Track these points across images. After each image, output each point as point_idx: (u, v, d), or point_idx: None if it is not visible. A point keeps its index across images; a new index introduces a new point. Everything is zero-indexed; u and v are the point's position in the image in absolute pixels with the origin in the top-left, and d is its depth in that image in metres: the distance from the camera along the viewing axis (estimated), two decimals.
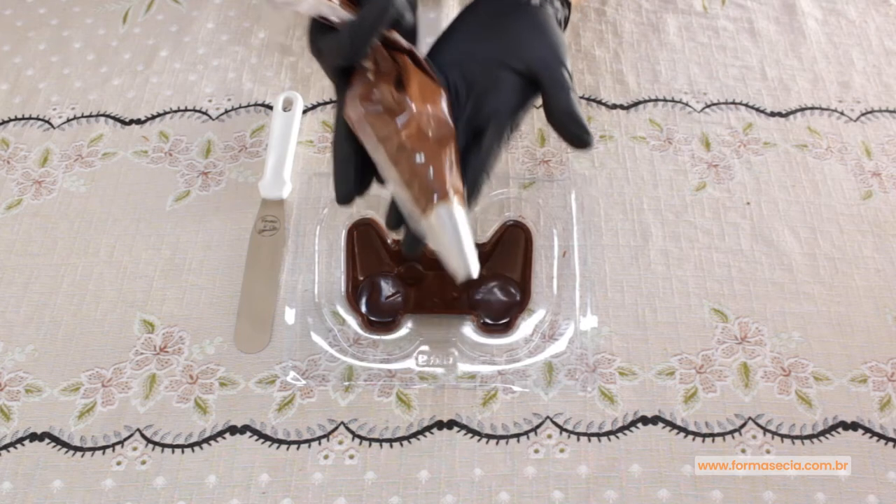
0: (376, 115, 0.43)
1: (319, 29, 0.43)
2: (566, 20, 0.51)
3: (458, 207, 0.42)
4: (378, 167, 0.45)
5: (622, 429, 0.49)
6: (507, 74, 0.45)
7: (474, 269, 0.43)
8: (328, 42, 0.42)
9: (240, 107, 0.65)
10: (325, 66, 0.45)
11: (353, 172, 0.45)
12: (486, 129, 0.45)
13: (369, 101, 0.43)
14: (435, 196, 0.42)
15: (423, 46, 0.48)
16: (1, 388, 0.51)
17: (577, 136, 0.45)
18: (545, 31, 0.46)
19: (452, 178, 0.43)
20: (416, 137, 0.42)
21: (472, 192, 0.45)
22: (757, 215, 0.58)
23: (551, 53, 0.45)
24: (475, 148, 0.45)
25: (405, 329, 0.53)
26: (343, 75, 0.44)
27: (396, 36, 0.43)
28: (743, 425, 0.50)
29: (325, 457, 0.49)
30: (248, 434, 0.49)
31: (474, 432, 0.49)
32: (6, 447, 0.49)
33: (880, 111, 0.65)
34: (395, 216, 0.46)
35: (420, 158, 0.42)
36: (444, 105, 0.44)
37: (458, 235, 0.42)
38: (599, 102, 0.65)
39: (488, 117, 0.45)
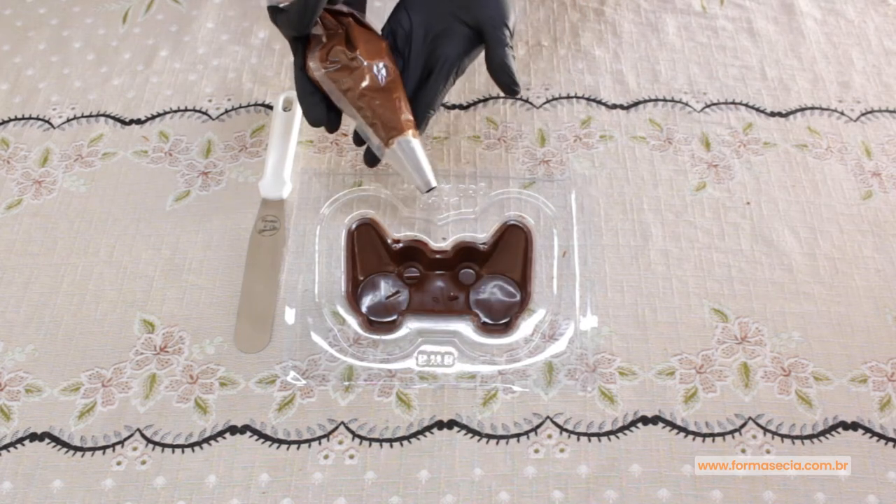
0: (336, 72, 0.52)
1: (276, 7, 0.52)
2: None
3: (411, 137, 0.52)
4: (344, 112, 0.54)
5: (622, 429, 0.49)
6: (460, 26, 0.54)
7: (433, 181, 0.53)
8: (281, 18, 0.51)
9: (240, 107, 0.65)
10: (283, 34, 0.53)
11: (318, 101, 0.53)
12: (435, 71, 0.54)
13: (327, 61, 0.52)
14: (393, 131, 0.52)
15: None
16: (1, 388, 0.51)
17: (507, 84, 0.53)
18: None
19: (404, 114, 0.53)
20: (371, 87, 0.52)
21: (419, 123, 0.54)
22: (757, 215, 0.58)
23: (497, 14, 0.53)
24: (425, 86, 0.54)
25: (405, 329, 0.53)
26: (298, 40, 0.53)
27: (339, 6, 0.52)
28: (743, 425, 0.50)
29: (325, 457, 0.49)
30: (248, 434, 0.49)
31: (474, 432, 0.49)
32: (6, 447, 0.49)
33: (880, 111, 0.65)
34: (358, 137, 0.56)
35: (377, 103, 0.52)
36: (387, 55, 0.54)
37: (415, 158, 0.53)
38: (599, 102, 0.65)
39: (438, 60, 0.54)
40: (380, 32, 0.55)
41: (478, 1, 0.54)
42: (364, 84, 0.52)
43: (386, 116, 0.52)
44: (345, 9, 0.53)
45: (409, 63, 0.55)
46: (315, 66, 0.52)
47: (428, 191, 0.53)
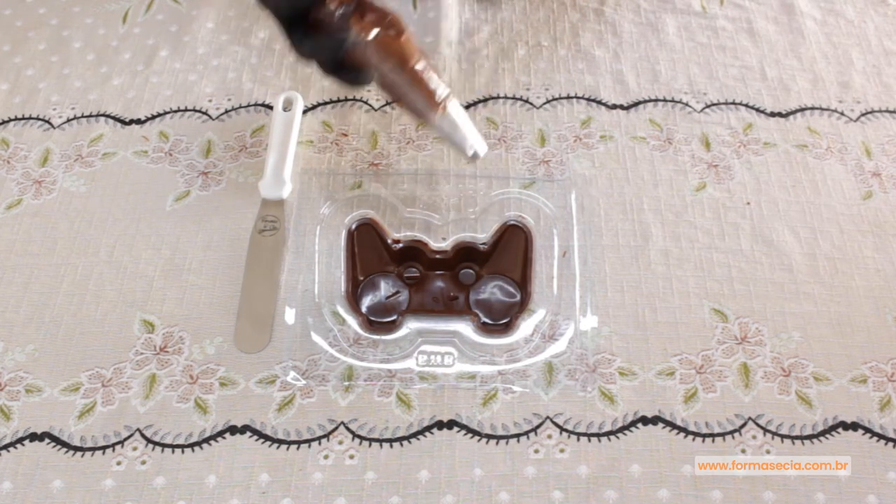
0: (384, 39, 0.52)
1: None
2: None
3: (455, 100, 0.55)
4: (397, 87, 0.55)
5: (622, 429, 0.49)
6: None
7: (484, 145, 0.56)
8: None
9: (240, 107, 0.65)
10: (274, 17, 0.53)
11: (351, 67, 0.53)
12: None
13: (375, 26, 0.52)
14: (444, 96, 0.54)
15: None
16: (1, 388, 0.51)
17: None
18: None
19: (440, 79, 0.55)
20: (420, 61, 0.53)
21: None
22: (757, 215, 0.58)
23: None
24: None
25: (405, 329, 0.53)
26: (290, 22, 0.52)
27: None
28: (743, 425, 0.50)
29: (325, 457, 0.49)
30: (248, 434, 0.49)
31: (474, 432, 0.49)
32: (6, 447, 0.49)
33: (880, 111, 0.65)
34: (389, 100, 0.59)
35: (428, 74, 0.54)
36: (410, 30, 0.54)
37: (468, 120, 0.56)
38: (599, 102, 0.65)
39: None
40: None
41: None
42: (414, 58, 0.53)
43: (434, 85, 0.53)
44: None
45: None
46: (358, 37, 0.52)
47: (473, 156, 0.55)
